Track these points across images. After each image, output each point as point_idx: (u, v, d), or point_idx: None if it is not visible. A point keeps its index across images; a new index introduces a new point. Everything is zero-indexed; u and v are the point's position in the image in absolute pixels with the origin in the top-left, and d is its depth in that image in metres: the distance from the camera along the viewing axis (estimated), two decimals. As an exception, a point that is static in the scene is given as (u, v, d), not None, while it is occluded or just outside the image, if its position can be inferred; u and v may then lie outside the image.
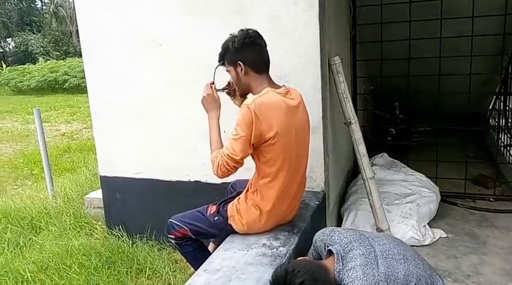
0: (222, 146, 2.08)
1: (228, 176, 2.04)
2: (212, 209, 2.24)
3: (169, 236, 2.30)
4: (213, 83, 2.20)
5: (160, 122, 2.98)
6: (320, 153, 2.67)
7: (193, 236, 2.26)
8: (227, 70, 2.15)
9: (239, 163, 2.00)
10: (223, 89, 2.25)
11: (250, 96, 2.11)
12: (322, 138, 2.66)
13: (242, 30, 2.09)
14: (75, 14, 3.25)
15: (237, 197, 2.22)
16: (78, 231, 3.33)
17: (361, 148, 2.90)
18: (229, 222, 2.17)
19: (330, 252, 1.81)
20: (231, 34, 2.09)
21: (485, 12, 3.50)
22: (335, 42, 3.07)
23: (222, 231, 2.21)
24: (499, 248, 2.89)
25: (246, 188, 2.20)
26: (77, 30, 3.35)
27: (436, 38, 3.64)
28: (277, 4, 2.54)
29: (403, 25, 3.66)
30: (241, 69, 2.07)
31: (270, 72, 2.58)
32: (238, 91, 2.20)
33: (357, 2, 3.68)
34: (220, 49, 2.11)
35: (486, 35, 3.64)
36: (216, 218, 2.19)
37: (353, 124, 2.90)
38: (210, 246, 2.46)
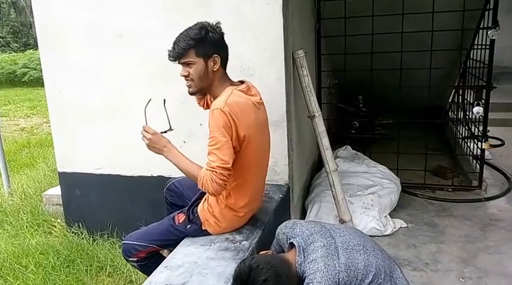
0: (199, 166, 1.93)
1: (224, 188, 1.91)
2: (180, 218, 2.13)
3: (130, 259, 2.15)
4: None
5: (121, 116, 2.89)
6: (284, 147, 2.68)
7: (158, 250, 2.18)
8: (185, 64, 1.92)
9: (231, 170, 1.87)
10: (165, 132, 2.03)
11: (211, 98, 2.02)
12: (286, 131, 2.66)
13: (206, 22, 1.93)
14: (32, 4, 3.11)
15: (204, 200, 2.11)
16: (36, 229, 3.21)
17: (325, 141, 2.93)
18: (204, 228, 2.09)
19: (292, 245, 1.82)
20: (200, 22, 1.93)
21: (446, 8, 3.59)
22: (299, 35, 3.07)
23: (196, 237, 2.13)
24: (457, 237, 3.00)
25: (205, 197, 2.11)
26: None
27: (398, 33, 3.71)
28: (240, -3, 2.51)
29: (367, 19, 3.71)
30: (214, 64, 1.92)
31: (234, 66, 2.57)
32: (192, 88, 1.98)
33: (321, -4, 3.70)
34: (181, 41, 1.89)
35: (446, 30, 3.74)
36: (189, 226, 2.10)
37: (317, 117, 2.92)
38: (165, 252, 2.32)
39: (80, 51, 2.90)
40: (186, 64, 1.93)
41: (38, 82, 16.04)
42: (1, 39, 24.21)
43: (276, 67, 2.58)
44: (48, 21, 2.95)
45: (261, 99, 2.11)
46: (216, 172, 1.83)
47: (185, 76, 1.95)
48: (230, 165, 1.85)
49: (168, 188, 2.42)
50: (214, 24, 1.94)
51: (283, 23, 2.51)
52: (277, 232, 2.00)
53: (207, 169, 1.86)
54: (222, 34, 1.96)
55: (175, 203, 2.37)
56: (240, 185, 2.03)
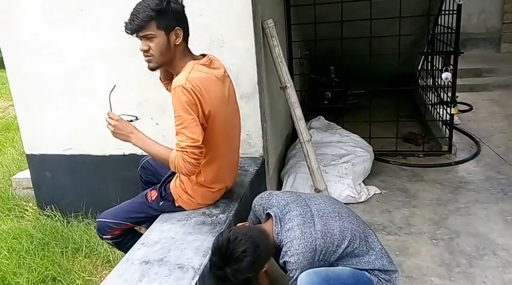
0: (169, 148, 1.87)
1: (199, 166, 1.86)
2: (153, 195, 2.10)
3: (104, 236, 2.12)
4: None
5: (87, 93, 2.79)
6: (257, 119, 2.66)
7: (133, 227, 2.16)
8: (144, 38, 1.81)
9: (202, 147, 1.81)
10: (131, 121, 1.96)
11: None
12: (258, 103, 2.64)
13: None
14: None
15: (176, 177, 2.07)
16: (7, 214, 3.12)
17: (298, 112, 2.92)
18: (177, 204, 2.07)
19: (269, 216, 1.83)
20: None
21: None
22: (268, 5, 3.01)
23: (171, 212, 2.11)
24: (428, 200, 3.09)
25: (177, 174, 2.05)
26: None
27: (367, 0, 3.69)
28: (206, -37, 2.43)
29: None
30: (176, 37, 1.83)
31: (203, 37, 2.51)
32: (152, 64, 1.88)
33: (290, -37, 3.63)
34: (140, 12, 1.77)
35: (413, -4, 3.75)
36: (162, 203, 2.08)
37: (289, 88, 2.90)
38: (142, 229, 2.31)
39: (39, 26, 2.76)
40: (146, 38, 1.81)
41: (2, 63, 15.37)
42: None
43: (245, 38, 2.53)
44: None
45: (225, 71, 2.03)
46: (186, 151, 1.77)
47: (145, 51, 1.84)
48: (200, 142, 1.79)
49: (142, 166, 2.37)
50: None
51: (252, -9, 2.45)
52: (253, 203, 2.00)
53: (177, 150, 1.80)
54: (183, 6, 1.86)
55: (151, 181, 2.33)
56: (209, 162, 1.98)
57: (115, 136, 1.94)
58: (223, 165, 2.07)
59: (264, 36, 2.79)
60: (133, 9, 1.80)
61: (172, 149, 1.84)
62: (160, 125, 2.70)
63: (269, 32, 2.77)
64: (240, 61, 2.55)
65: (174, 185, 2.07)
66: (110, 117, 1.92)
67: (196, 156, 1.80)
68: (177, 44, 1.85)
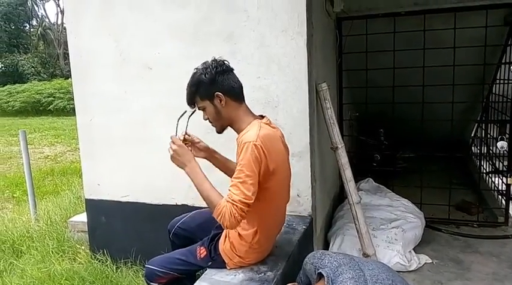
0: (220, 195, 1.86)
1: (239, 224, 1.86)
2: (202, 252, 2.10)
3: (151, 283, 2.12)
4: (183, 134, 2.03)
5: (148, 145, 2.98)
6: (307, 178, 2.70)
7: (180, 277, 2.17)
8: (200, 109, 1.98)
9: (250, 206, 1.82)
10: (183, 114, 2.01)
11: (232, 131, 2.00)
12: (309, 162, 2.68)
13: (206, 61, 1.96)
14: (63, 37, 3.28)
15: (225, 236, 2.07)
16: (61, 255, 3.26)
17: (348, 173, 2.94)
18: (229, 267, 2.08)
19: (320, 276, 1.81)
20: (195, 68, 1.97)
21: (467, 43, 3.63)
22: (322, 69, 3.14)
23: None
24: (484, 274, 2.92)
25: (225, 234, 2.07)
26: (64, 52, 3.37)
27: (420, 67, 3.75)
28: (265, 32, 2.60)
29: (388, 53, 3.77)
30: (220, 100, 1.92)
31: (259, 98, 2.64)
32: (216, 128, 2.02)
33: (343, 31, 3.79)
34: (187, 90, 1.96)
35: (467, 64, 3.77)
36: (210, 263, 2.09)
37: (339, 149, 2.94)
38: None
39: (110, 82, 3.03)
40: (201, 109, 1.99)
41: (63, 111, 16.49)
42: (33, 69, 25.19)
43: (300, 100, 2.63)
44: (80, 52, 3.10)
45: (280, 131, 2.11)
46: (237, 206, 1.78)
47: (205, 120, 2.00)
48: (252, 201, 1.81)
49: (175, 233, 2.37)
50: (209, 63, 1.94)
51: (307, 56, 2.58)
52: (304, 262, 1.98)
53: (227, 201, 1.80)
54: (217, 72, 1.91)
55: (185, 245, 2.28)
56: (265, 221, 2.01)
57: (172, 161, 1.96)
58: (278, 227, 2.12)
59: (317, 98, 2.89)
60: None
61: (223, 197, 1.85)
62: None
63: (322, 94, 2.88)
64: (294, 122, 2.64)
65: (224, 248, 2.07)
66: (172, 141, 1.96)
67: (243, 214, 1.81)
68: (224, 106, 1.93)
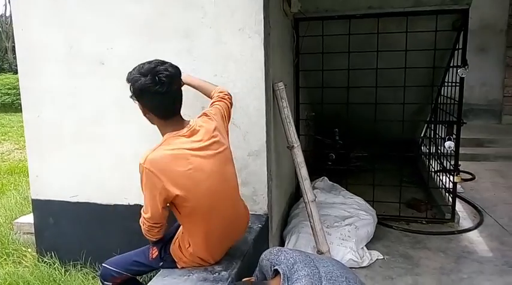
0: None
1: (156, 236, 2.00)
2: (154, 253, 2.10)
3: (105, 282, 2.14)
4: None
5: (100, 143, 2.87)
6: (264, 176, 2.70)
7: (134, 277, 2.19)
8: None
9: (159, 222, 1.92)
10: None
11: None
12: (266, 161, 2.68)
13: (144, 65, 1.86)
14: (11, 30, 3.10)
15: (176, 238, 2.07)
16: (5, 259, 3.09)
17: (303, 172, 2.97)
18: (180, 266, 2.07)
19: (276, 272, 1.81)
20: (134, 68, 1.91)
21: (418, 47, 3.77)
22: (279, 68, 3.16)
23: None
24: (432, 269, 3.04)
25: (176, 236, 2.08)
26: (13, 46, 3.19)
27: (373, 69, 3.85)
28: (223, 29, 2.58)
29: (344, 55, 3.85)
30: (146, 113, 1.94)
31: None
32: None
33: (300, 31, 3.83)
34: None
35: (418, 67, 3.91)
36: (162, 263, 2.08)
37: (295, 148, 2.97)
38: None
39: (59, 77, 2.89)
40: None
41: (11, 107, 15.66)
42: (-23, 63, 23.77)
43: (256, 98, 2.63)
44: (28, 46, 2.94)
45: (212, 138, 1.94)
46: (144, 224, 1.93)
47: None
48: (155, 221, 1.90)
49: None
50: (144, 73, 1.83)
51: (264, 55, 2.58)
52: (261, 258, 1.98)
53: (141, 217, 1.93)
54: (144, 90, 1.82)
55: None
56: (199, 239, 1.98)
57: None
58: (214, 239, 2.02)
59: (274, 98, 2.90)
60: None
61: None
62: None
63: (279, 93, 2.89)
64: (250, 120, 2.63)
65: (174, 247, 2.07)
66: None
67: (154, 231, 1.96)
68: (148, 117, 1.95)
